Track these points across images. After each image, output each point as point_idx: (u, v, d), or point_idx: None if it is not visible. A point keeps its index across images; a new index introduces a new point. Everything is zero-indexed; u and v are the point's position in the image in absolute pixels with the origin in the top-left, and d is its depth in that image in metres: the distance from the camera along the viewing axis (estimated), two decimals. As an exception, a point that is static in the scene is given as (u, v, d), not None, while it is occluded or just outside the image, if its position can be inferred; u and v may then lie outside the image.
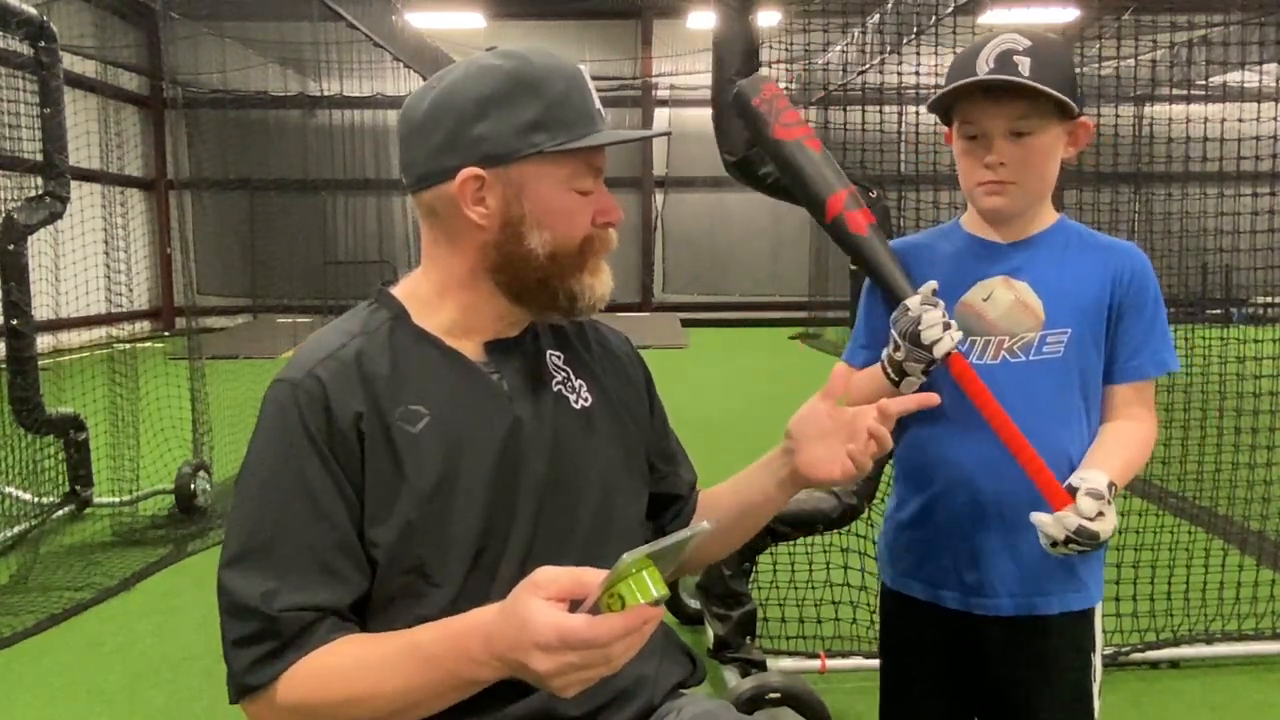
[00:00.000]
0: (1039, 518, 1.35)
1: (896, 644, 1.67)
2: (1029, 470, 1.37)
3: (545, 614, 0.90)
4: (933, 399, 1.31)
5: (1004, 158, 1.41)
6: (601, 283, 1.20)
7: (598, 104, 1.17)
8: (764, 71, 2.87)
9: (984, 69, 1.38)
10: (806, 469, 1.25)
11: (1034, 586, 1.49)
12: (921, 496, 1.55)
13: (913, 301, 1.42)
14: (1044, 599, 1.50)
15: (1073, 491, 1.35)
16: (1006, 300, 1.42)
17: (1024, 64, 1.36)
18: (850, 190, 1.52)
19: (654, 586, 0.90)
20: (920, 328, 1.39)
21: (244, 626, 1.05)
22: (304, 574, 1.06)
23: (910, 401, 1.30)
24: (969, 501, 1.48)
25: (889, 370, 1.45)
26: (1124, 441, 1.46)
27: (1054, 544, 1.34)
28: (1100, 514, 1.33)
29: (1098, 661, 1.55)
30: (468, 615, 1.01)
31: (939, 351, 1.38)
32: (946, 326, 1.39)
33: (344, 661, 1.04)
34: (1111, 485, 1.36)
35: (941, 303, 1.42)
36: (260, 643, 1.05)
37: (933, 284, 1.44)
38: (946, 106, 1.47)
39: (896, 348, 1.42)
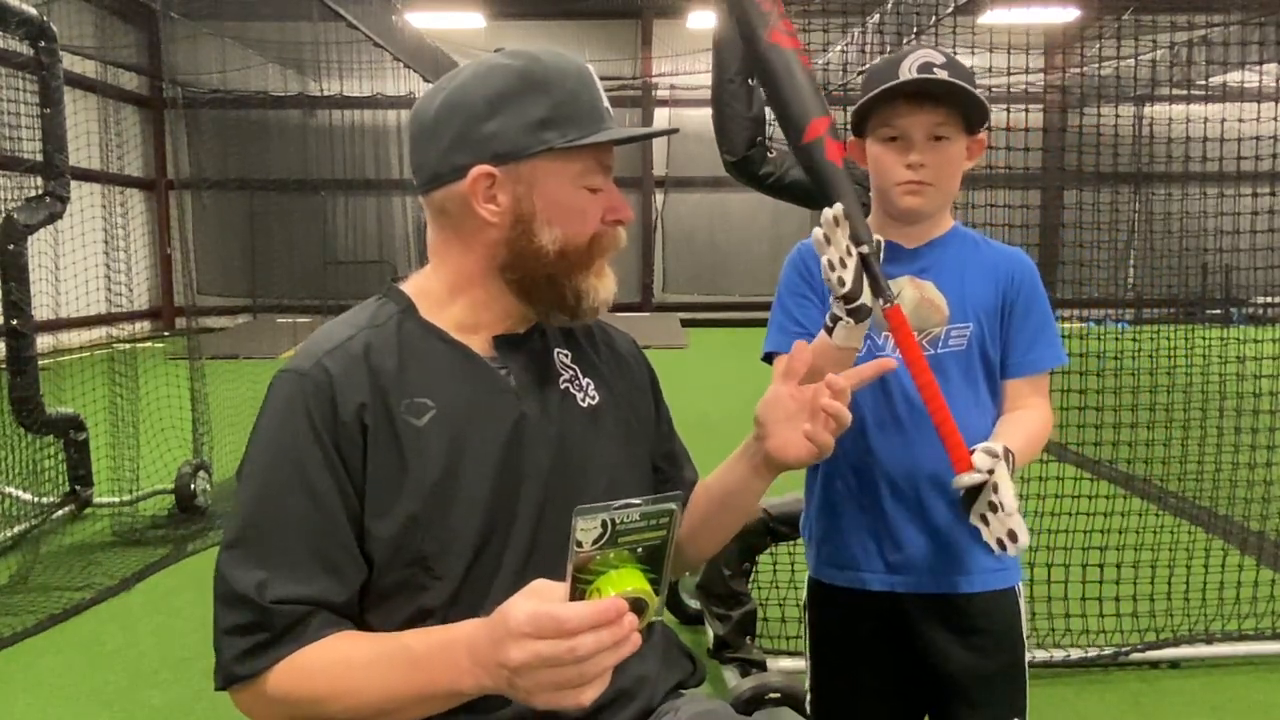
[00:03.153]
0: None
1: (826, 633, 1.69)
2: (941, 430, 1.38)
3: (523, 603, 0.91)
4: (889, 364, 1.29)
5: (925, 159, 1.49)
6: (605, 286, 1.20)
7: (605, 102, 1.18)
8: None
9: (908, 75, 1.46)
10: (777, 453, 1.23)
11: (955, 565, 1.54)
12: (839, 480, 1.60)
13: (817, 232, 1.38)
14: (965, 577, 1.55)
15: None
16: (914, 298, 1.48)
17: (942, 75, 1.45)
18: (832, 120, 1.49)
19: (631, 582, 0.89)
20: (825, 260, 1.35)
21: (236, 615, 1.05)
22: (298, 565, 1.06)
23: (868, 370, 1.28)
24: (885, 482, 1.54)
25: (827, 321, 1.41)
26: (1023, 425, 1.53)
27: (965, 507, 1.37)
28: (991, 470, 1.35)
29: (1026, 639, 1.61)
30: (458, 624, 1.01)
31: (845, 275, 1.34)
32: (850, 251, 1.35)
33: (332, 658, 1.04)
34: (1009, 452, 1.39)
35: (845, 237, 1.37)
36: (251, 634, 1.05)
37: (878, 238, 1.41)
38: (863, 114, 1.53)
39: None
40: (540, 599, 0.91)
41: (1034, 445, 1.53)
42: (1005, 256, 1.60)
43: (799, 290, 1.61)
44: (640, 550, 0.90)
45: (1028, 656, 1.62)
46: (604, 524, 0.87)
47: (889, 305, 1.38)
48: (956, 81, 1.44)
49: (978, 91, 1.48)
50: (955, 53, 1.52)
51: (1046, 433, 1.57)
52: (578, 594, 0.89)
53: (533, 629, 0.88)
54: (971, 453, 1.37)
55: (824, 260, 1.37)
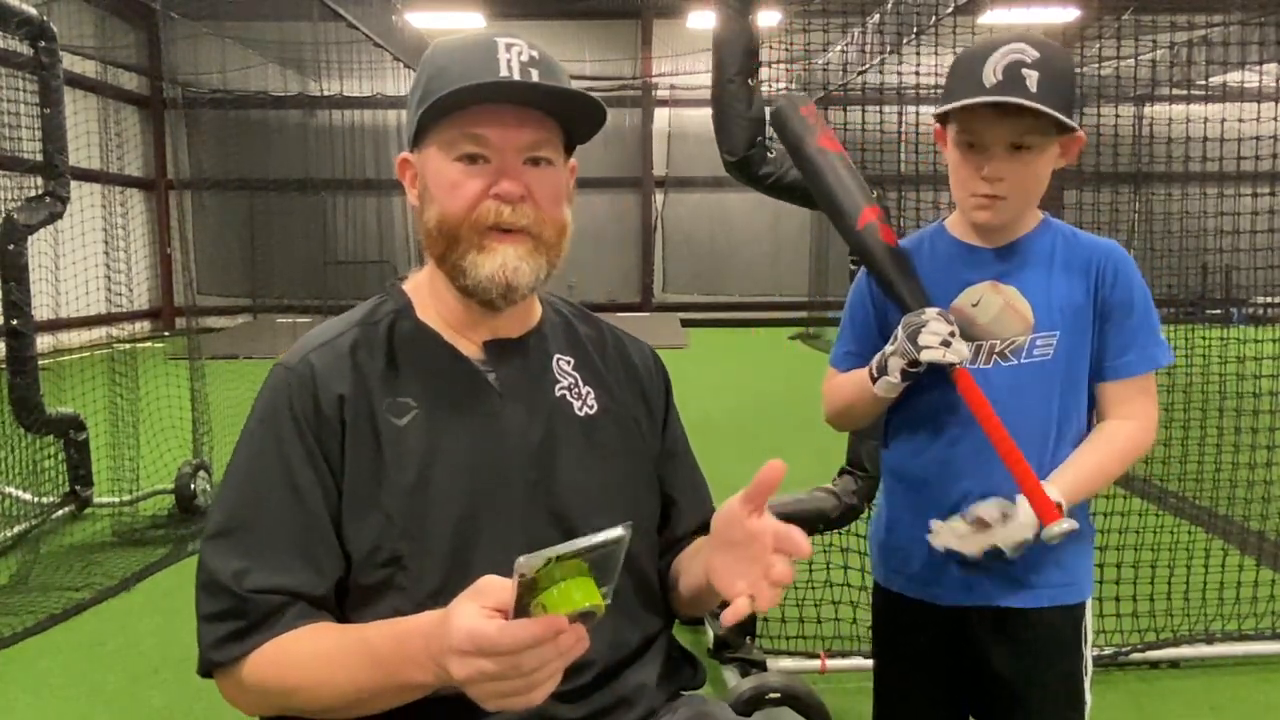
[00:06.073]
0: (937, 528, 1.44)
1: (890, 642, 1.69)
2: (1023, 487, 1.39)
3: (464, 618, 0.87)
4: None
5: (1002, 173, 1.41)
6: (490, 261, 1.11)
7: (505, 70, 1.08)
8: (764, 72, 2.88)
9: (991, 80, 1.36)
10: (710, 574, 1.06)
11: (1025, 580, 1.51)
12: (913, 495, 1.57)
13: (930, 311, 1.43)
14: (1033, 592, 1.52)
15: (1059, 506, 1.39)
16: (996, 305, 1.43)
17: (1032, 78, 1.34)
18: (880, 210, 1.57)
19: (580, 596, 0.84)
20: (924, 330, 1.40)
21: (214, 603, 1.07)
22: (277, 556, 1.07)
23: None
24: (960, 498, 1.49)
25: (873, 367, 1.46)
26: (1102, 447, 1.47)
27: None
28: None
29: (1089, 655, 1.57)
30: (417, 617, 0.99)
31: (928, 356, 1.39)
32: (947, 342, 1.40)
33: (304, 651, 1.05)
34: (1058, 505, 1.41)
35: (954, 324, 1.42)
36: (227, 620, 1.06)
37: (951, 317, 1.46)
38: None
39: (893, 341, 1.43)
40: (484, 599, 0.87)
41: (1111, 468, 1.47)
42: (1096, 250, 1.49)
43: (864, 313, 1.62)
44: (591, 558, 0.86)
45: (1087, 660, 1.58)
46: (547, 560, 0.82)
47: (954, 369, 1.41)
48: (1033, 104, 1.33)
49: (1068, 93, 1.38)
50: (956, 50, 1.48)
51: (1139, 446, 1.49)
52: (522, 606, 0.85)
53: (472, 648, 0.86)
54: (1058, 506, 1.37)
55: (928, 331, 1.40)
